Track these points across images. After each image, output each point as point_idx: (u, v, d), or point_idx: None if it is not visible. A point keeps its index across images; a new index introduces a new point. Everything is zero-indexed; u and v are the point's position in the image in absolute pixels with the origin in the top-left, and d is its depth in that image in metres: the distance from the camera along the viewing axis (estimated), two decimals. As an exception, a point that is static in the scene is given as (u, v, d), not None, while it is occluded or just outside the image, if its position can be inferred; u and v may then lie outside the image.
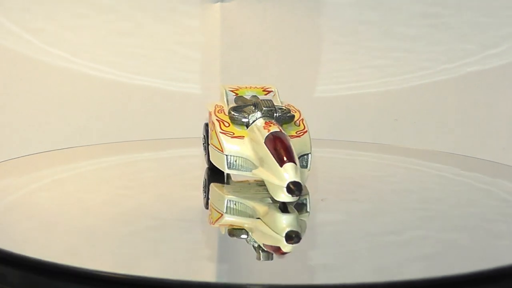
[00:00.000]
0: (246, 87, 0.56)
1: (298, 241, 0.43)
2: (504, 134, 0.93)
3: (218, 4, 0.95)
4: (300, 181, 0.44)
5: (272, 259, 0.41)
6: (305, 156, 0.50)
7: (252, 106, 0.52)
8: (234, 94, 0.55)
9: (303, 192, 0.45)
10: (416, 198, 0.56)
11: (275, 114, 0.51)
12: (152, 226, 0.46)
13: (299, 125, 0.52)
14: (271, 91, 0.56)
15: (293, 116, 0.52)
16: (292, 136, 0.50)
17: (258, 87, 0.56)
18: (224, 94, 0.56)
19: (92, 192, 0.56)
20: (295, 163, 0.45)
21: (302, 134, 0.51)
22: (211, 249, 0.43)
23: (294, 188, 0.44)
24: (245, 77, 0.97)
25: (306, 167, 0.50)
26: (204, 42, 0.96)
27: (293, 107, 0.54)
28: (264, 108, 0.51)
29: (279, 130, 0.49)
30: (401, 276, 0.38)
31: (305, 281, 0.38)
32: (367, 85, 0.95)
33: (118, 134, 0.94)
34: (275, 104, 0.52)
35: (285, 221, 0.46)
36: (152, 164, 0.70)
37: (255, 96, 0.55)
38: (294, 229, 0.45)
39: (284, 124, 0.51)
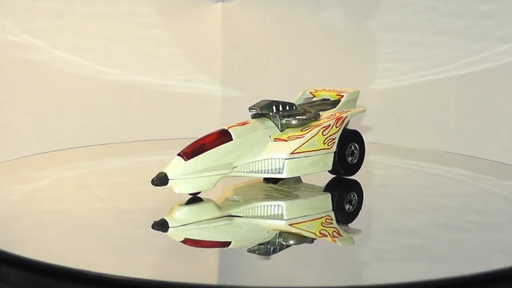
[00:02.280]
0: (325, 90, 0.59)
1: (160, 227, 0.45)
2: (506, 133, 0.93)
3: (220, 4, 0.95)
4: (164, 172, 0.48)
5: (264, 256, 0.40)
6: (278, 160, 0.52)
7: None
8: (312, 96, 0.60)
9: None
10: (415, 198, 0.56)
11: (275, 116, 0.53)
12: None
13: (303, 131, 0.53)
14: (342, 95, 0.59)
15: (295, 122, 0.54)
16: (279, 139, 0.53)
17: (335, 90, 0.60)
18: (301, 96, 0.60)
19: (93, 193, 0.56)
20: (182, 157, 0.49)
21: (291, 139, 0.52)
22: (212, 251, 0.43)
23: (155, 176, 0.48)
24: (246, 77, 0.97)
25: (279, 172, 0.52)
26: (205, 42, 0.96)
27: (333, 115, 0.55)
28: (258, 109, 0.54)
29: (225, 128, 0.51)
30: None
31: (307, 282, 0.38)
32: (367, 85, 0.95)
33: (118, 135, 0.94)
34: (303, 107, 0.55)
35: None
36: (153, 165, 0.70)
37: (324, 99, 0.59)
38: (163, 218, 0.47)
39: (289, 128, 0.53)
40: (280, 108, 0.54)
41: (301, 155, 0.52)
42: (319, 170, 0.54)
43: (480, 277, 0.37)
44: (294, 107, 0.54)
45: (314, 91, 0.60)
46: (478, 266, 0.39)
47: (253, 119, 0.54)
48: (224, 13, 0.95)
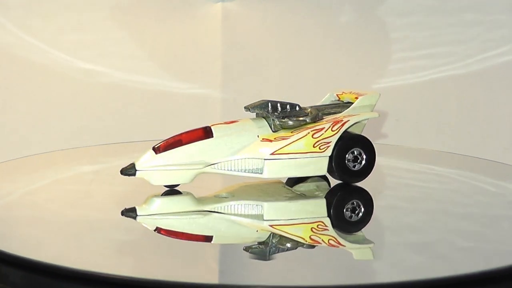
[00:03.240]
0: (348, 93, 0.58)
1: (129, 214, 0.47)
2: (506, 133, 0.93)
3: (219, 4, 0.95)
4: (133, 163, 0.51)
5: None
6: (258, 160, 0.52)
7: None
8: (338, 98, 0.59)
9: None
10: (416, 198, 0.56)
11: (268, 116, 0.53)
12: (153, 227, 0.46)
13: (293, 133, 0.52)
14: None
15: (291, 123, 0.53)
16: (266, 139, 0.52)
17: (355, 93, 0.58)
18: (327, 98, 0.59)
19: (93, 193, 0.56)
20: (154, 150, 0.51)
21: (277, 140, 0.52)
22: (213, 249, 0.43)
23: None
24: (246, 77, 0.97)
25: (259, 172, 0.52)
26: (205, 42, 0.96)
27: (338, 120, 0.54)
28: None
29: (209, 126, 0.53)
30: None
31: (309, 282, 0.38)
32: (367, 85, 0.95)
33: (118, 135, 0.94)
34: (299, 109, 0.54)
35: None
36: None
37: (347, 102, 0.58)
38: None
39: (284, 128, 0.53)
40: (279, 109, 0.53)
41: (284, 157, 0.52)
42: (309, 174, 0.53)
43: (481, 275, 0.37)
44: (296, 108, 0.54)
45: (341, 93, 0.59)
46: (478, 265, 0.39)
47: (246, 119, 0.54)
48: (224, 13, 0.95)
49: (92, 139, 0.93)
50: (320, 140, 0.52)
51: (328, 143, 0.53)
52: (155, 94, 0.94)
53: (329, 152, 0.53)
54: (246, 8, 0.95)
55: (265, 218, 0.50)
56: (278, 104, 0.54)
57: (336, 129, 0.53)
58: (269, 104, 0.54)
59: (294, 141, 0.52)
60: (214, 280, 0.38)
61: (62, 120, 0.92)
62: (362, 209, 0.51)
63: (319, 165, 0.53)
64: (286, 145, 0.52)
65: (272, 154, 0.52)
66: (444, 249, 0.42)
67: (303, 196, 0.54)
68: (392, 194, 0.59)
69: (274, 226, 0.48)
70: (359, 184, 0.55)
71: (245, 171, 0.52)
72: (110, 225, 0.47)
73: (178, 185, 0.52)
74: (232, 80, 0.96)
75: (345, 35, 0.95)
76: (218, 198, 0.53)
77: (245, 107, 0.54)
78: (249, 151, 0.52)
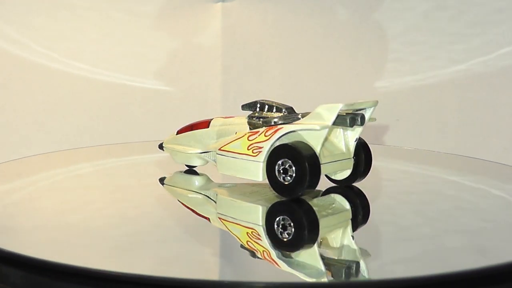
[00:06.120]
0: (358, 102, 0.54)
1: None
2: (506, 134, 0.93)
3: (220, 4, 0.95)
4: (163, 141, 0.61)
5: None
6: (214, 153, 0.56)
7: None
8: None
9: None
10: (415, 198, 0.56)
11: (251, 116, 0.55)
12: (152, 226, 0.46)
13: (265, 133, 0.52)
14: (364, 108, 0.53)
15: (258, 124, 0.53)
16: (235, 136, 0.53)
17: (363, 102, 0.53)
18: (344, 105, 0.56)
19: (93, 193, 0.56)
20: (176, 132, 0.61)
21: (233, 137, 0.53)
22: (213, 248, 0.43)
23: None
24: (246, 77, 0.97)
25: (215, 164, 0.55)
26: (205, 42, 0.96)
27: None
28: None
29: (212, 118, 0.58)
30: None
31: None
32: (367, 85, 0.95)
33: (118, 135, 0.94)
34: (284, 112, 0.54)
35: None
36: (152, 166, 0.70)
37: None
38: None
39: (255, 128, 0.54)
40: (265, 109, 0.54)
41: (228, 154, 0.52)
42: (245, 177, 0.52)
43: (481, 272, 0.38)
44: (282, 111, 0.53)
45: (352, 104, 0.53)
46: (478, 264, 0.39)
47: (241, 116, 0.55)
48: (224, 13, 0.95)
49: (92, 139, 0.93)
50: (253, 143, 0.51)
51: (260, 148, 0.51)
52: (154, 94, 0.94)
53: (261, 157, 0.50)
54: (246, 8, 0.95)
55: (218, 211, 0.51)
56: (266, 105, 0.54)
57: (269, 135, 0.50)
58: (258, 104, 0.54)
59: (234, 140, 0.52)
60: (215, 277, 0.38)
61: (62, 120, 0.92)
62: (304, 224, 0.48)
63: (253, 170, 0.51)
64: (228, 143, 0.53)
65: (219, 150, 0.53)
66: (443, 249, 0.42)
67: (270, 201, 0.52)
68: (389, 195, 0.59)
69: (221, 219, 0.48)
70: (358, 184, 0.55)
71: (214, 162, 0.56)
72: (109, 224, 0.47)
73: (195, 166, 0.61)
74: (232, 80, 0.96)
75: (345, 35, 0.95)
76: (218, 186, 0.57)
77: (242, 106, 0.55)
78: (219, 145, 0.54)
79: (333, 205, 0.52)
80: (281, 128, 0.50)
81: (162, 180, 0.60)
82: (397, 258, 0.41)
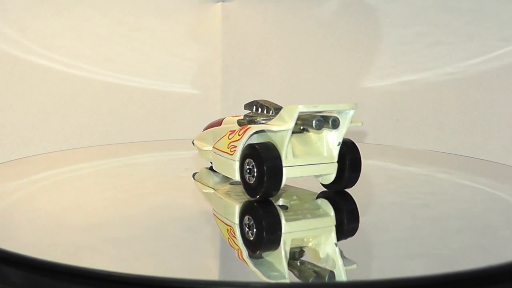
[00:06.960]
0: (324, 104, 0.54)
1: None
2: (506, 134, 0.93)
3: (220, 4, 0.95)
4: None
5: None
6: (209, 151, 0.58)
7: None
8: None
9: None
10: (414, 198, 0.56)
11: (245, 116, 0.55)
12: (152, 226, 0.46)
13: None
14: (336, 110, 0.52)
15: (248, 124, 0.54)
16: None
17: (333, 104, 0.54)
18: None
19: (92, 193, 0.56)
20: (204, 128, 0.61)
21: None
22: (214, 247, 0.43)
23: None
24: (246, 77, 0.97)
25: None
26: (205, 42, 0.96)
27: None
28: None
29: (226, 117, 0.59)
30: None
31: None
32: (367, 85, 0.95)
33: (118, 135, 0.94)
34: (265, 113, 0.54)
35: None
36: (152, 166, 0.70)
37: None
38: None
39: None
40: (259, 110, 0.54)
41: (217, 152, 0.53)
42: (229, 175, 0.52)
43: (481, 272, 0.38)
44: (270, 111, 0.53)
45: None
46: (478, 263, 0.39)
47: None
48: (224, 13, 0.95)
49: (92, 139, 0.93)
50: (231, 142, 0.52)
51: (235, 147, 0.51)
52: (155, 94, 0.94)
53: (236, 156, 0.51)
54: (246, 8, 0.95)
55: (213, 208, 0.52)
56: (260, 106, 0.54)
57: (241, 135, 0.51)
58: (253, 104, 0.55)
59: (220, 139, 0.53)
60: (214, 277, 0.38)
61: (62, 120, 0.92)
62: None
63: (230, 168, 0.51)
64: (217, 141, 0.54)
65: (213, 147, 0.54)
66: (443, 249, 0.42)
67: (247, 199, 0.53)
68: (391, 194, 0.59)
69: (216, 215, 0.49)
70: (358, 184, 0.54)
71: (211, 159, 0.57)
72: (109, 224, 0.47)
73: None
74: (232, 80, 0.96)
75: (346, 35, 0.95)
76: (227, 183, 0.57)
77: (244, 105, 0.56)
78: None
79: (319, 210, 0.51)
80: (249, 128, 0.50)
81: (165, 179, 0.60)
82: (397, 258, 0.41)
